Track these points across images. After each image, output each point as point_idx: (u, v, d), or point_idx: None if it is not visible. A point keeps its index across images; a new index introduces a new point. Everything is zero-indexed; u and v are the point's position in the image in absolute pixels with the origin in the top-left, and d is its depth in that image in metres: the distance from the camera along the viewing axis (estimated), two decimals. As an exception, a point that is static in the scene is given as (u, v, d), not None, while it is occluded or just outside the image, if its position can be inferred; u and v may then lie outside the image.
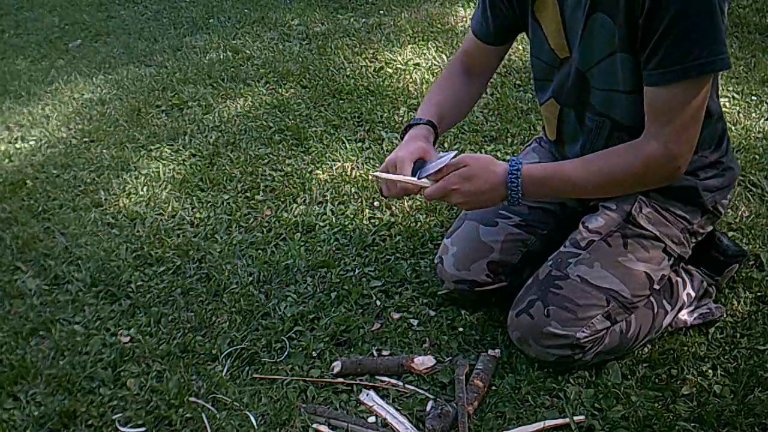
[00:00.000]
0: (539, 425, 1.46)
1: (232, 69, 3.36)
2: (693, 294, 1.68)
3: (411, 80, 3.02)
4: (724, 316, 1.70)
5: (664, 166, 1.43)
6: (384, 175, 1.50)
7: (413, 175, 1.49)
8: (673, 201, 1.58)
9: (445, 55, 3.23)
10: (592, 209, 1.63)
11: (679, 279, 1.68)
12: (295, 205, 2.29)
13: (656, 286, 1.59)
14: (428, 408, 1.52)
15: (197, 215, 2.29)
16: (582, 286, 1.52)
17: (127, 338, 1.80)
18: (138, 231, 2.23)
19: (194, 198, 2.38)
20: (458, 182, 1.45)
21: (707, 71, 1.33)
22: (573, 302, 1.51)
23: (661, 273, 1.59)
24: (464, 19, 3.67)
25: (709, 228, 1.67)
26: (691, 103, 1.36)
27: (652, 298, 1.60)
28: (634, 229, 1.57)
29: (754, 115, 2.58)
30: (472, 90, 1.76)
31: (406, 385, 1.59)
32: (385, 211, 2.20)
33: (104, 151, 2.76)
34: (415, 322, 1.78)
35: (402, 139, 1.62)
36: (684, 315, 1.67)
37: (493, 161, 1.48)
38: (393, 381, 1.60)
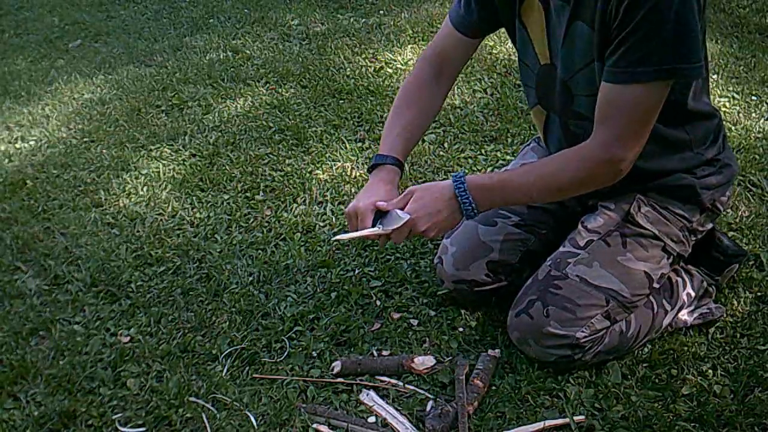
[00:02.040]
0: (539, 425, 1.46)
1: (232, 69, 3.36)
2: (693, 294, 1.68)
3: (411, 80, 3.02)
4: (724, 316, 1.70)
5: (606, 170, 1.43)
6: (348, 236, 1.57)
7: (374, 224, 1.55)
8: (672, 199, 1.58)
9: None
10: (592, 209, 1.64)
11: (679, 279, 1.68)
12: (295, 205, 2.29)
13: (656, 285, 1.59)
14: (428, 408, 1.51)
15: (197, 215, 2.29)
16: (581, 286, 1.52)
17: (127, 338, 1.80)
18: (138, 231, 2.23)
19: (194, 198, 2.38)
20: (415, 212, 1.49)
21: (663, 78, 1.32)
22: (572, 302, 1.51)
23: (660, 272, 1.59)
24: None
25: (709, 226, 1.67)
26: (640, 107, 1.36)
27: (651, 298, 1.60)
28: (633, 228, 1.57)
29: (754, 115, 2.58)
30: (440, 96, 1.74)
31: (406, 385, 1.59)
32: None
33: (104, 151, 2.76)
34: (415, 322, 1.78)
35: (369, 172, 1.66)
36: (684, 315, 1.67)
37: (436, 182, 1.55)
38: (393, 381, 1.60)
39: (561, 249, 1.60)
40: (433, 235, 1.52)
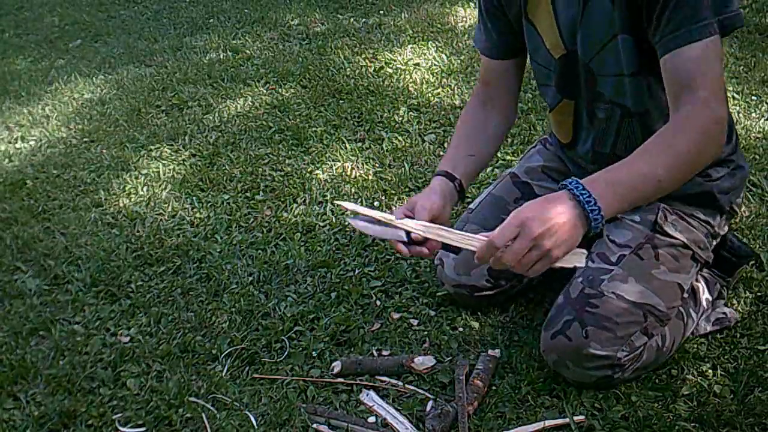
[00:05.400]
0: (539, 425, 1.45)
1: (232, 69, 3.36)
2: (710, 298, 1.67)
3: (411, 80, 3.02)
4: (737, 318, 1.69)
5: (714, 128, 1.27)
6: (442, 239, 1.27)
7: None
8: (694, 206, 1.56)
9: (445, 55, 3.23)
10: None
11: (699, 284, 1.66)
12: (295, 205, 2.29)
13: (685, 295, 1.56)
14: (428, 408, 1.51)
15: (197, 215, 2.29)
16: (619, 303, 1.45)
17: (127, 338, 1.80)
18: (138, 231, 2.23)
19: (194, 198, 2.38)
20: (528, 211, 1.17)
21: (714, 32, 1.27)
22: (611, 321, 1.44)
23: (690, 281, 1.56)
24: (464, 19, 3.68)
25: (726, 229, 1.66)
26: (708, 60, 1.27)
27: (681, 308, 1.58)
28: (662, 239, 1.53)
29: (754, 115, 2.58)
30: (492, 120, 1.70)
31: (406, 385, 1.58)
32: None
33: (104, 151, 2.76)
34: (415, 322, 1.78)
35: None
36: (702, 322, 1.64)
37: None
38: (393, 381, 1.60)
39: (591, 265, 1.52)
40: (550, 245, 1.15)
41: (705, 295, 1.66)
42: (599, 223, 1.17)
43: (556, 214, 1.16)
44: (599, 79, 1.49)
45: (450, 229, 1.18)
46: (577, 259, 1.22)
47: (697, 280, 1.67)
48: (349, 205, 1.20)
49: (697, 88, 1.28)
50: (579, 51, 1.48)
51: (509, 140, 2.53)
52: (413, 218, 1.42)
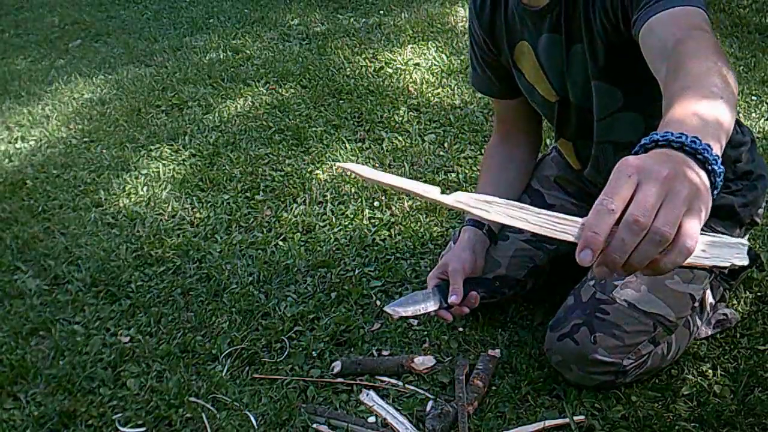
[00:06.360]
0: (539, 425, 1.45)
1: (232, 69, 3.36)
2: (713, 302, 1.66)
3: (411, 80, 3.02)
4: (738, 319, 1.69)
5: (712, 39, 1.07)
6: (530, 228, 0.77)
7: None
8: (713, 218, 1.55)
9: (445, 55, 3.23)
10: None
11: (707, 290, 1.65)
12: (295, 205, 2.29)
13: (696, 304, 1.55)
14: (428, 408, 1.51)
15: (197, 215, 2.29)
16: (629, 312, 1.45)
17: (127, 338, 1.80)
18: (138, 231, 2.23)
19: (194, 198, 2.38)
20: (635, 158, 0.73)
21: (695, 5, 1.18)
22: (621, 329, 1.44)
23: (702, 290, 1.55)
24: (464, 19, 3.67)
25: (745, 238, 1.64)
26: (693, 18, 1.14)
27: (688, 316, 1.57)
28: None
29: (754, 115, 2.58)
30: (519, 150, 1.73)
31: (406, 385, 1.58)
32: (385, 211, 2.20)
33: (104, 151, 2.76)
34: (415, 322, 1.78)
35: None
36: (703, 326, 1.64)
37: None
38: (393, 381, 1.60)
39: None
40: (687, 192, 0.70)
41: (710, 300, 1.65)
42: (717, 164, 0.76)
43: (669, 157, 0.74)
44: (593, 122, 1.50)
45: (524, 206, 0.75)
46: (735, 252, 0.82)
47: None
48: (354, 167, 0.95)
49: (682, 31, 1.10)
50: (571, 97, 1.49)
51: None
52: (447, 280, 1.54)
